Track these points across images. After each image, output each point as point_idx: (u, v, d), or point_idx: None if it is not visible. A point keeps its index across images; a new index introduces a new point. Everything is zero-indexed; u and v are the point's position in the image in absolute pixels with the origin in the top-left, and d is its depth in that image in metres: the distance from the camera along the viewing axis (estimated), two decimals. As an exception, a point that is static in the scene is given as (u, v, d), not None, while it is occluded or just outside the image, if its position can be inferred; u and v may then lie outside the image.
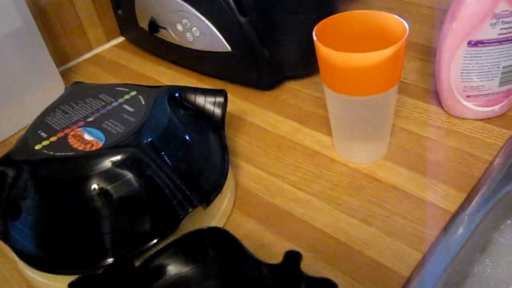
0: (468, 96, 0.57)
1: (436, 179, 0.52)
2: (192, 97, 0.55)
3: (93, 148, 0.44)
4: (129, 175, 0.43)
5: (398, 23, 0.49)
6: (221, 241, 0.42)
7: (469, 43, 0.53)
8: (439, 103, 0.61)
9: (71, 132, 0.47)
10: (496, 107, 0.57)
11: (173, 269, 0.42)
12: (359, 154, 0.56)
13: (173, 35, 0.72)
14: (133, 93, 0.51)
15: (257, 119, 0.65)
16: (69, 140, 0.46)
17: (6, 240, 0.46)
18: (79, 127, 0.48)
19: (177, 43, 0.73)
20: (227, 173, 0.51)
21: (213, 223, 0.49)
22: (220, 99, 0.56)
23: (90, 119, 0.48)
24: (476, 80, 0.55)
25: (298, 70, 0.71)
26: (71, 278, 0.43)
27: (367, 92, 0.49)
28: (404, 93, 0.64)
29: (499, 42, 0.52)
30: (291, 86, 0.70)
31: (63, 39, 0.83)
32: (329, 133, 0.59)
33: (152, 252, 0.42)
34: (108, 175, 0.42)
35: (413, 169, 0.54)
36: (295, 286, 0.38)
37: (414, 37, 0.75)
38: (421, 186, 0.52)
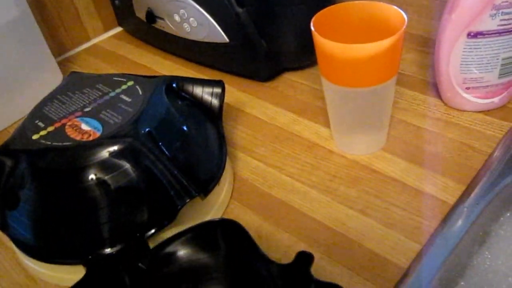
0: (467, 88, 0.56)
1: (435, 171, 0.52)
2: (189, 87, 0.55)
3: (91, 138, 0.44)
4: (127, 165, 0.43)
5: (396, 14, 0.49)
6: (234, 234, 0.42)
7: (469, 34, 0.52)
8: (438, 95, 0.61)
9: (69, 122, 0.47)
10: (495, 99, 0.57)
11: (184, 256, 0.42)
12: (357, 146, 0.56)
13: (170, 25, 0.72)
14: (131, 83, 0.51)
15: (255, 110, 0.65)
16: (67, 130, 0.46)
17: (4, 230, 0.46)
18: (77, 117, 0.47)
19: (175, 34, 0.72)
20: (225, 164, 0.51)
21: (211, 214, 0.49)
22: (217, 90, 0.56)
23: (88, 109, 0.48)
24: (476, 71, 0.55)
25: (296, 61, 0.70)
26: (69, 268, 0.43)
27: (365, 83, 0.48)
28: (403, 85, 0.64)
29: (499, 33, 0.51)
30: (289, 77, 0.70)
31: (60, 30, 0.82)
32: (327, 125, 0.59)
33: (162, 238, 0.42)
34: (106, 165, 0.42)
35: (411, 160, 0.53)
36: None
37: (413, 29, 0.75)
38: (419, 177, 0.51)
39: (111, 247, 0.42)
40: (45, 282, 0.48)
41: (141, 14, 0.76)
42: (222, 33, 0.66)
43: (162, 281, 0.42)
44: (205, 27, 0.67)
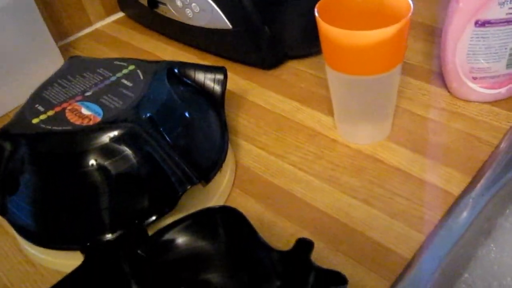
0: (474, 78, 0.56)
1: (440, 162, 0.51)
2: (191, 73, 0.54)
3: (91, 123, 0.43)
4: (127, 150, 0.42)
5: (402, 1, 0.48)
6: (234, 222, 0.41)
7: (476, 23, 0.51)
8: (444, 85, 0.60)
9: (69, 107, 0.46)
10: (502, 90, 0.56)
11: (183, 244, 0.42)
12: (361, 135, 0.55)
13: (172, 11, 0.71)
14: (132, 67, 0.50)
15: (258, 98, 0.64)
16: (67, 115, 0.45)
17: (4, 214, 0.45)
18: (77, 101, 0.47)
19: (177, 19, 0.71)
20: (226, 151, 0.50)
21: (213, 202, 0.48)
22: (220, 76, 0.55)
23: (88, 93, 0.47)
24: (483, 61, 0.54)
25: (300, 49, 0.69)
26: (68, 254, 0.43)
27: (370, 71, 0.48)
28: (409, 74, 0.63)
29: (508, 22, 0.50)
30: (293, 65, 0.69)
31: (61, 14, 0.81)
32: (331, 114, 0.58)
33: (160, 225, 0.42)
34: (106, 150, 0.42)
35: (416, 150, 0.53)
36: (304, 275, 0.37)
37: (419, 17, 0.74)
38: (424, 168, 0.51)
39: (111, 233, 0.42)
40: (44, 267, 0.47)
41: (143, -1, 0.75)
42: (225, 19, 0.65)
43: (162, 269, 0.41)
44: (208, 13, 0.66)
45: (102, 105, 0.45)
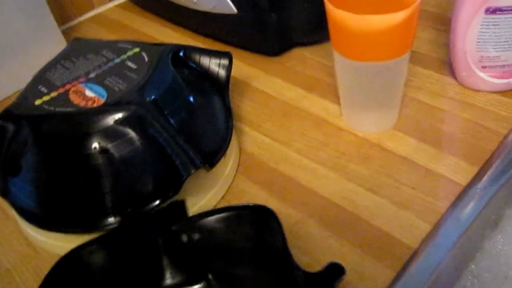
0: (483, 67, 0.55)
1: (447, 151, 0.50)
2: (196, 57, 0.53)
3: (95, 105, 0.43)
4: (131, 133, 0.41)
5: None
6: (270, 226, 0.40)
7: (487, 10, 0.50)
8: (453, 74, 0.59)
9: (72, 88, 0.45)
10: None
11: (218, 233, 0.41)
12: (368, 123, 0.54)
13: (178, -5, 0.70)
14: (136, 49, 0.49)
15: (263, 85, 0.63)
16: (70, 96, 0.44)
17: (5, 196, 0.45)
18: (81, 83, 0.46)
19: (182, 4, 0.70)
20: (231, 136, 0.49)
21: (217, 188, 0.48)
22: (225, 61, 0.54)
23: (92, 75, 0.47)
24: (492, 50, 0.53)
25: (306, 36, 0.68)
26: (71, 237, 0.42)
27: (378, 57, 0.47)
28: (417, 63, 0.62)
29: (520, 10, 0.50)
30: (299, 52, 0.68)
31: (65, -3, 0.81)
32: (337, 102, 0.57)
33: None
34: (110, 133, 0.41)
35: (423, 140, 0.52)
36: None
37: (428, 5, 0.73)
38: (431, 157, 0.50)
39: (114, 216, 0.41)
40: (45, 250, 0.47)
41: (148, -17, 0.74)
42: (231, 3, 0.64)
43: (193, 251, 0.41)
44: (214, -3, 0.65)
45: (106, 87, 0.45)
